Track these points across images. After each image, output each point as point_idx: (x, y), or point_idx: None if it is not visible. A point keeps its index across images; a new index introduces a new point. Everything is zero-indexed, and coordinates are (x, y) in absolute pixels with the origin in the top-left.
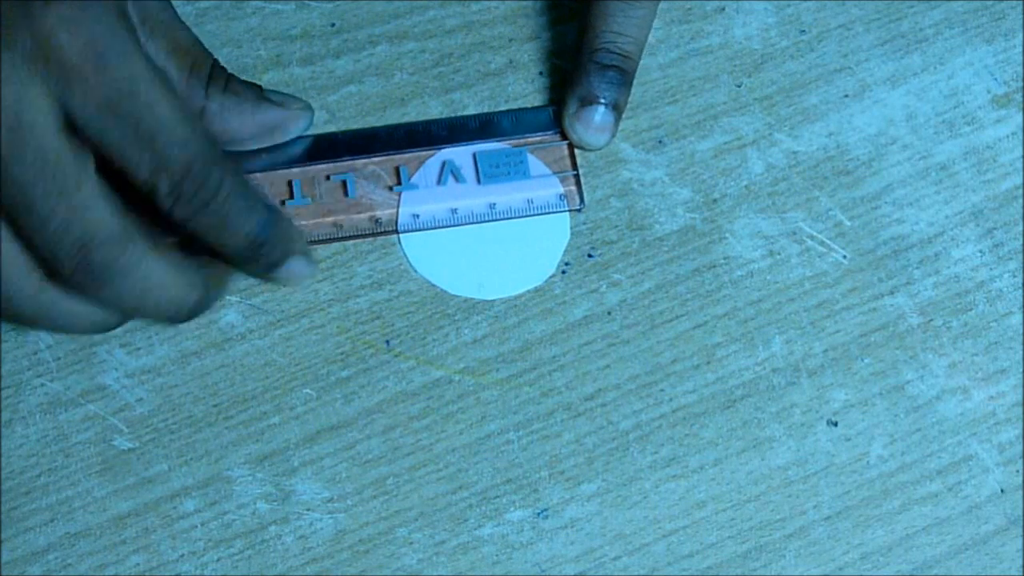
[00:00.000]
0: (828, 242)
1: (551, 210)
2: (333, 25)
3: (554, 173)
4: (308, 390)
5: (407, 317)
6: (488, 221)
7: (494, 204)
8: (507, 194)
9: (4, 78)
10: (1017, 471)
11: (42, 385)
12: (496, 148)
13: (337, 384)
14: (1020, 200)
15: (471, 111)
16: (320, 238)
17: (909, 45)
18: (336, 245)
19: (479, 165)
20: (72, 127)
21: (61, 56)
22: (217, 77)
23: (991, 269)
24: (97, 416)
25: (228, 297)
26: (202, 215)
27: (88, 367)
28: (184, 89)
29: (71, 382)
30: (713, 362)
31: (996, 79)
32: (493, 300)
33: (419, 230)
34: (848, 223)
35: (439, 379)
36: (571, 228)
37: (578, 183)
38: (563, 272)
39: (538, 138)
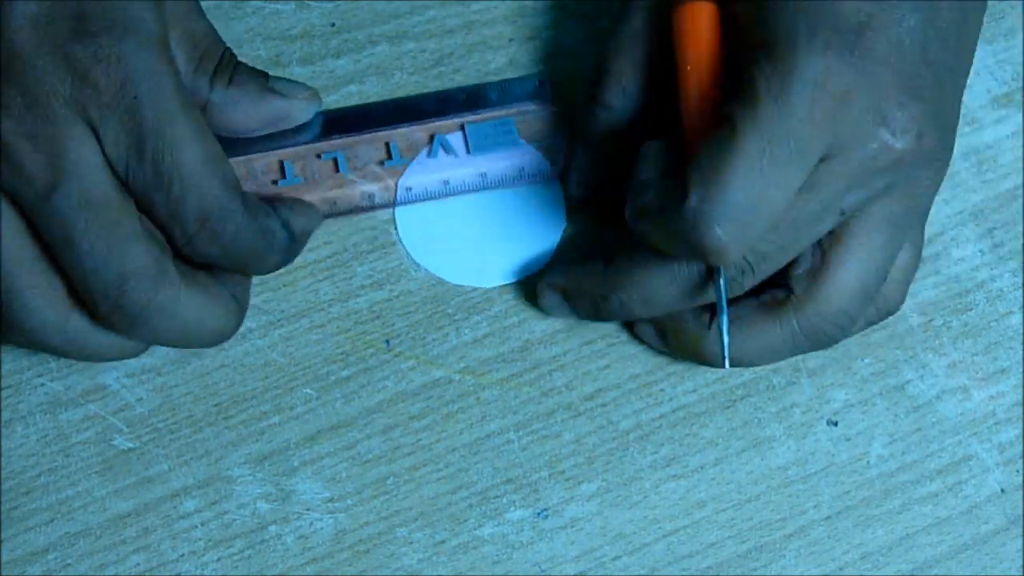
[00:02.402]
0: None
1: (543, 177)
2: (333, 25)
3: (542, 141)
4: (308, 390)
5: (407, 317)
6: (481, 190)
7: (485, 174)
8: (497, 163)
9: (50, 117)
10: (1017, 471)
11: (42, 385)
12: (484, 119)
13: (337, 384)
14: (1020, 200)
15: None
16: None
17: None
18: (336, 245)
19: (468, 137)
20: None
21: (98, 97)
22: (224, 69)
23: (991, 269)
24: (97, 416)
25: None
26: (222, 260)
27: (88, 367)
28: (190, 82)
29: (71, 382)
30: None
31: (996, 79)
32: (493, 298)
33: (412, 202)
34: None
35: (439, 379)
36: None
37: (567, 149)
38: None
39: (526, 108)
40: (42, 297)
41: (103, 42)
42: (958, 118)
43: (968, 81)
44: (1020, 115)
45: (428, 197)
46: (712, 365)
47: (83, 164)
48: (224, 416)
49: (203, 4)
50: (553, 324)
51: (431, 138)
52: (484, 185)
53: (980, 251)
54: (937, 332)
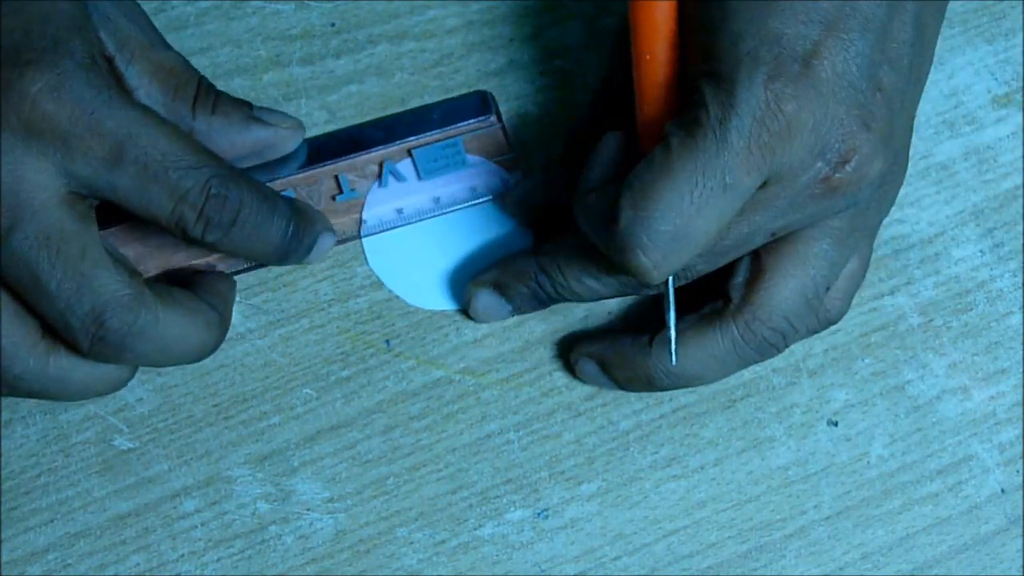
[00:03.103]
0: None
1: (495, 194)
2: (333, 25)
3: (491, 158)
4: (308, 390)
5: (407, 317)
6: (435, 215)
7: (438, 198)
8: (449, 186)
9: (2, 157)
10: (1017, 471)
11: None
12: (431, 142)
13: (337, 384)
14: (1020, 200)
15: None
16: None
17: None
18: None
19: (417, 162)
20: (73, 193)
21: (53, 126)
22: (204, 97)
23: (991, 269)
24: (97, 416)
25: None
26: (234, 232)
27: None
28: (170, 112)
29: None
30: None
31: (996, 79)
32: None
33: (369, 235)
34: None
35: (439, 379)
36: None
37: (517, 163)
38: None
39: (471, 126)
40: (20, 343)
41: (42, 69)
42: (911, 135)
43: (967, 81)
44: (1020, 115)
45: (383, 228)
46: (659, 388)
47: (37, 201)
48: (224, 416)
49: (203, 4)
50: (553, 324)
51: (380, 167)
52: (438, 210)
53: (980, 251)
54: (937, 332)
